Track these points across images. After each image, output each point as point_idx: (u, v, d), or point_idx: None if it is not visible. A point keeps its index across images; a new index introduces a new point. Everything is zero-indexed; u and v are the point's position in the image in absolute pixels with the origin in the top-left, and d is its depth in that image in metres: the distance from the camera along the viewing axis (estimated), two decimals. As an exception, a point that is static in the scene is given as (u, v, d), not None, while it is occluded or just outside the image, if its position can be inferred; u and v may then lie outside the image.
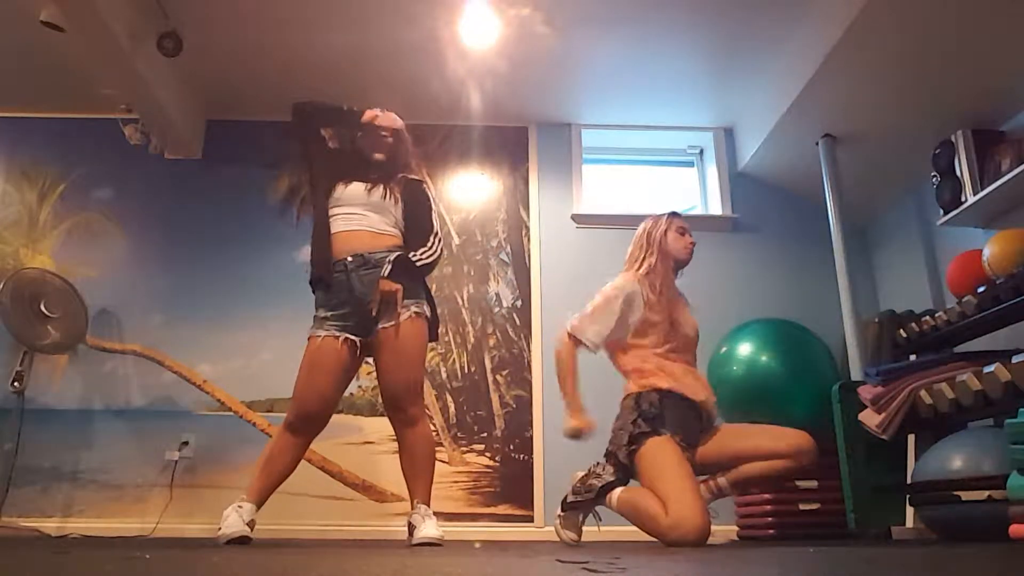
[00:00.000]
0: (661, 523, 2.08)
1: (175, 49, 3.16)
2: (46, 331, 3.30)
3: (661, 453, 2.22)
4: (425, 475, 2.30)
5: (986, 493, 2.17)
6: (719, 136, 4.03)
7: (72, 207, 3.73)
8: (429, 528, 2.15)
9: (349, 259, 2.30)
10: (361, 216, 2.37)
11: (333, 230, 2.36)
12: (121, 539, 2.82)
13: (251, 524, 2.11)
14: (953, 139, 3.04)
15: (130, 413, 3.43)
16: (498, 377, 3.58)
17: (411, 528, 2.22)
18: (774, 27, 3.17)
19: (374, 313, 2.26)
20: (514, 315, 3.67)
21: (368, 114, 2.46)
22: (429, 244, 2.37)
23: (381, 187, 2.40)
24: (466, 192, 3.87)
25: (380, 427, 3.42)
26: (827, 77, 3.02)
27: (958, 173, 3.00)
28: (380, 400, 3.50)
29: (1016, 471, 1.84)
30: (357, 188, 2.40)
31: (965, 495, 2.27)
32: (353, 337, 2.28)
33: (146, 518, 3.22)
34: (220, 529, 2.06)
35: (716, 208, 3.92)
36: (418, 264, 2.31)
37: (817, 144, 3.41)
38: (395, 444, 2.35)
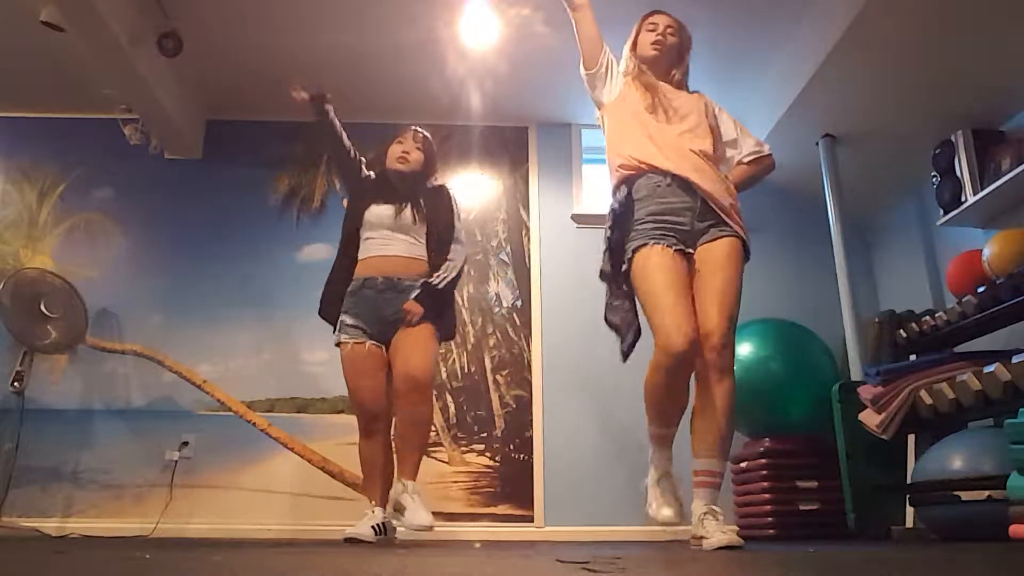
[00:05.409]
0: (654, 375, 2.00)
1: (175, 49, 3.16)
2: (46, 331, 3.30)
3: (644, 270, 2.03)
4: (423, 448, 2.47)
5: (986, 493, 2.17)
6: (719, 136, 4.02)
7: (72, 207, 3.73)
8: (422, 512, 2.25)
9: (380, 280, 2.49)
10: (395, 242, 2.54)
11: (367, 254, 2.54)
12: (121, 539, 2.82)
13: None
14: (953, 139, 3.04)
15: (130, 413, 3.43)
16: (498, 377, 3.58)
17: (398, 507, 2.29)
18: (774, 27, 3.17)
19: (401, 326, 2.45)
20: (514, 315, 3.67)
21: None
22: (448, 260, 2.53)
23: (408, 208, 2.56)
24: (466, 192, 3.86)
25: (380, 427, 3.41)
26: (827, 77, 3.02)
27: (958, 173, 3.00)
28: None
29: (1016, 471, 1.84)
30: (386, 211, 2.56)
31: (965, 495, 2.27)
32: (377, 344, 2.48)
33: (146, 518, 3.21)
34: (349, 532, 2.26)
35: (716, 208, 3.91)
36: (441, 287, 2.49)
37: (817, 144, 3.41)
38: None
